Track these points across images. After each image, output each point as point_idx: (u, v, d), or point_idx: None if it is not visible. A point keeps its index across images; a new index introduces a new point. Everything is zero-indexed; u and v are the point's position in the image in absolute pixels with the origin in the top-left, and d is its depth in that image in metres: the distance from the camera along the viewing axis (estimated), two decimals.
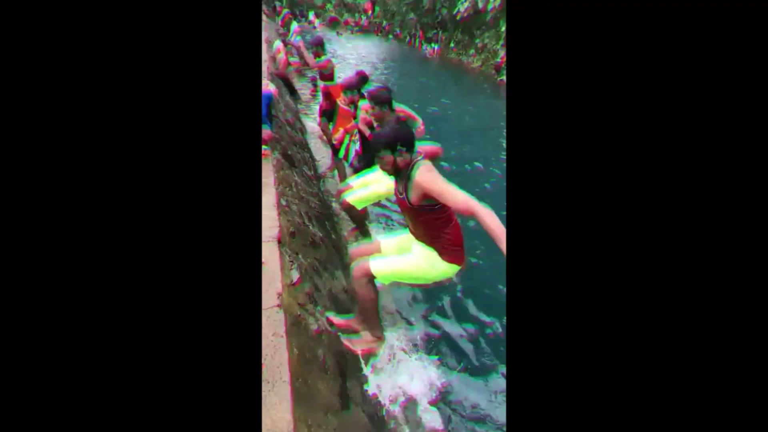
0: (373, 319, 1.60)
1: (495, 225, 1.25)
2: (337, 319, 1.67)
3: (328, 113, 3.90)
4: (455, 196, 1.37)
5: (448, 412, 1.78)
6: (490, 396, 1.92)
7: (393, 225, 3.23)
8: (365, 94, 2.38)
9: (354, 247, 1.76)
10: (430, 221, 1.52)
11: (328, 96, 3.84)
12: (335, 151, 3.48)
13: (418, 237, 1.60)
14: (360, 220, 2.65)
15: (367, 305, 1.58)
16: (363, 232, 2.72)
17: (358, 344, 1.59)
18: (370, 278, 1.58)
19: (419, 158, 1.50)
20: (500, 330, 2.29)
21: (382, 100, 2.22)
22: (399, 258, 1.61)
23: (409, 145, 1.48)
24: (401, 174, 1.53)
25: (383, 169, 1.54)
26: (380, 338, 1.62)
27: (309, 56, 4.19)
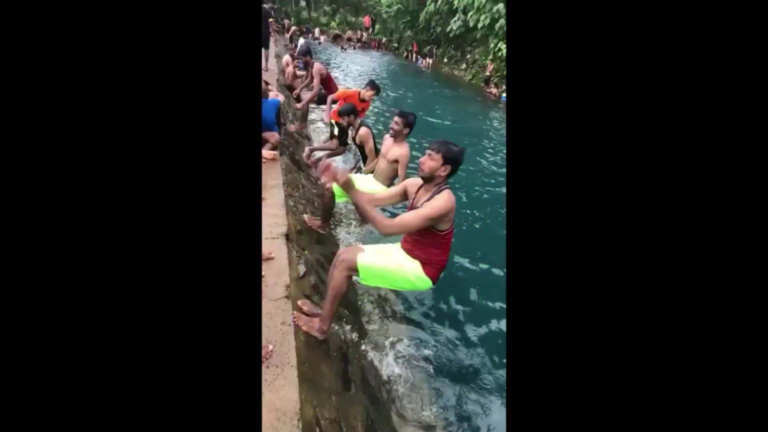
0: (330, 310, 1.51)
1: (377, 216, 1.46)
2: (307, 306, 1.63)
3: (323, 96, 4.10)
4: (416, 214, 1.47)
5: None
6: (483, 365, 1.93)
7: None
8: (397, 112, 2.52)
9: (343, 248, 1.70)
10: (427, 239, 1.54)
11: (326, 85, 4.08)
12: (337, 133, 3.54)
13: (407, 248, 1.60)
14: (328, 210, 2.56)
15: (335, 295, 1.50)
16: (325, 221, 2.58)
17: (304, 324, 1.50)
18: (352, 272, 1.52)
19: (447, 185, 1.56)
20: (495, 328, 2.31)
21: (408, 122, 2.48)
22: (384, 257, 1.57)
23: (456, 169, 1.56)
24: (431, 186, 1.58)
25: (422, 169, 1.56)
26: (324, 333, 1.52)
27: (314, 89, 4.20)
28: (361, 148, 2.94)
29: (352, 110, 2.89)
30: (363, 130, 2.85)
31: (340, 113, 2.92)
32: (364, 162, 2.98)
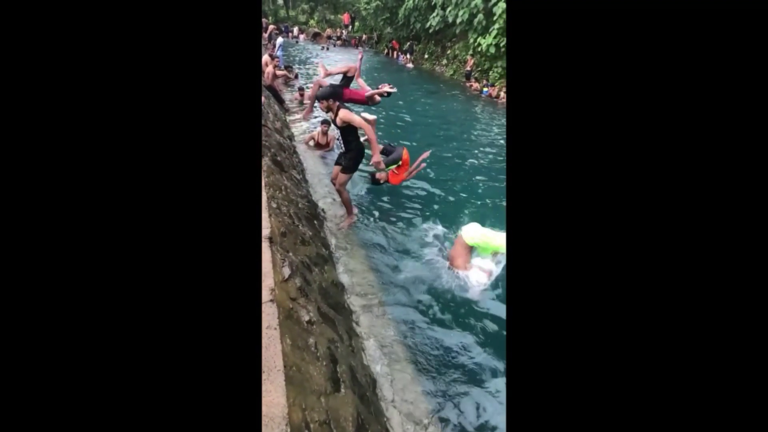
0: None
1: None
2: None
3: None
4: None
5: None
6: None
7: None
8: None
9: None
10: None
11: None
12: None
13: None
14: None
15: None
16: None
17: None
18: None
19: None
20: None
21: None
22: None
23: None
24: None
25: None
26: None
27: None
28: (345, 129, 2.87)
29: (331, 94, 2.82)
30: (342, 112, 2.78)
31: (318, 97, 2.85)
32: (346, 147, 2.93)
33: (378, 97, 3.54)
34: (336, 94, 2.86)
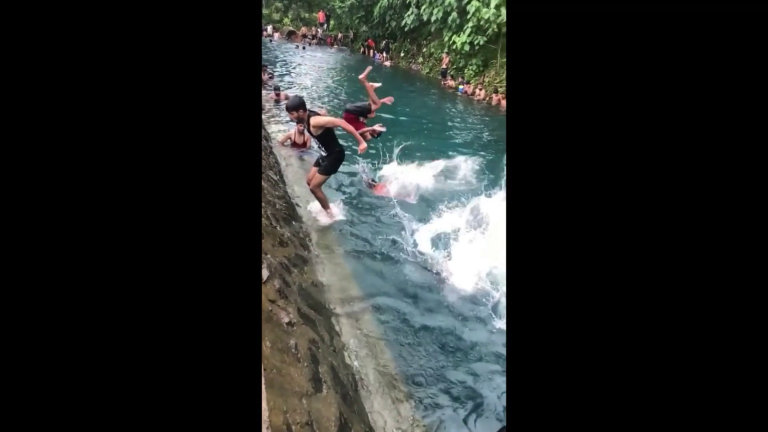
0: None
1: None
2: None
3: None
4: None
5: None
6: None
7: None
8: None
9: None
10: None
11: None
12: None
13: None
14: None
15: None
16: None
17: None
18: None
19: None
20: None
21: None
22: None
23: None
24: None
25: None
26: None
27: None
28: (321, 136, 2.85)
29: (300, 105, 2.78)
30: (313, 119, 2.77)
31: (288, 108, 2.82)
32: (327, 151, 2.92)
33: (369, 135, 3.58)
34: (304, 105, 2.82)
